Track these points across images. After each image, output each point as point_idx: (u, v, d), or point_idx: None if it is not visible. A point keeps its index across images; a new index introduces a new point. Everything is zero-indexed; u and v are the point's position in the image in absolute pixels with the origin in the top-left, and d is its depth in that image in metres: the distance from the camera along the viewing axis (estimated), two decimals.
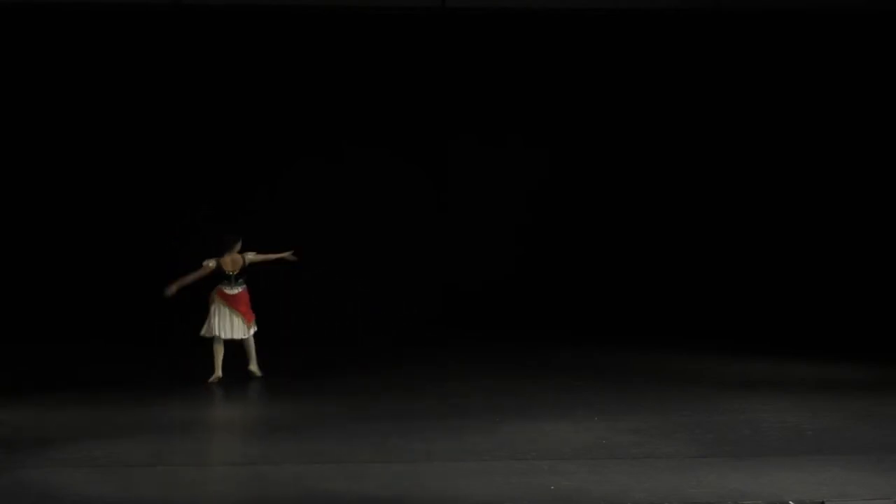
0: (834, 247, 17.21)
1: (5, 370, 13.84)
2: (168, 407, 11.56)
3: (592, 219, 17.43)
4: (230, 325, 13.17)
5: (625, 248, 17.38)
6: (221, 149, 16.97)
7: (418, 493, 8.46)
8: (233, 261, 13.18)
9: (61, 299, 16.52)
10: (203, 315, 13.31)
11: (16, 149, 16.73)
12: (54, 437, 10.14)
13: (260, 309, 13.45)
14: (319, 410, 11.43)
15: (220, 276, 13.19)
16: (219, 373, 13.14)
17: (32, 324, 16.21)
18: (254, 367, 13.38)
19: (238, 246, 13.23)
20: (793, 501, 8.13)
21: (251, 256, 13.25)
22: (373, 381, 13.20)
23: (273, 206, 16.90)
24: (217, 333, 13.13)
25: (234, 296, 13.18)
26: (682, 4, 16.73)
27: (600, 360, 14.40)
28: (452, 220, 17.38)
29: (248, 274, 13.29)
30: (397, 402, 11.85)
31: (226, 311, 13.16)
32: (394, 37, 17.00)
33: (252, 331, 13.30)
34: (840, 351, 14.97)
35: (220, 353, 13.18)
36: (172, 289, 12.95)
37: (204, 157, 16.96)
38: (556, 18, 16.99)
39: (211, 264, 13.12)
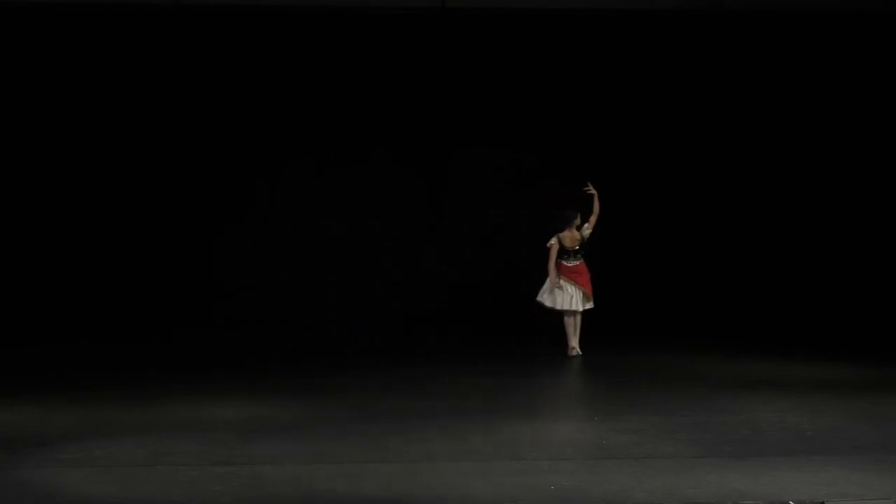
0: (833, 247, 17.22)
1: (5, 370, 13.82)
2: (168, 407, 11.54)
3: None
4: (570, 297, 13.94)
5: (625, 249, 17.35)
6: (220, 149, 16.97)
7: (418, 493, 8.45)
8: (571, 237, 13.98)
9: (60, 300, 16.52)
10: None
11: (11, 149, 16.72)
12: (54, 437, 10.13)
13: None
14: (319, 410, 11.42)
15: (560, 252, 13.97)
16: (574, 344, 14.06)
17: (32, 324, 16.20)
18: (575, 344, 14.12)
19: (577, 222, 13.99)
20: (793, 501, 8.12)
21: (587, 231, 14.00)
22: (373, 381, 13.18)
23: (272, 206, 16.89)
24: (558, 306, 13.95)
25: (573, 267, 13.96)
26: (683, 4, 16.74)
27: (600, 360, 14.39)
28: (452, 218, 17.37)
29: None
30: (397, 402, 11.84)
31: (568, 284, 13.94)
32: (393, 37, 17.00)
33: (588, 305, 14.06)
34: (840, 351, 14.96)
35: (571, 325, 14.06)
36: (554, 279, 13.85)
37: (202, 158, 16.96)
38: (555, 18, 16.99)
39: (554, 241, 13.93)
